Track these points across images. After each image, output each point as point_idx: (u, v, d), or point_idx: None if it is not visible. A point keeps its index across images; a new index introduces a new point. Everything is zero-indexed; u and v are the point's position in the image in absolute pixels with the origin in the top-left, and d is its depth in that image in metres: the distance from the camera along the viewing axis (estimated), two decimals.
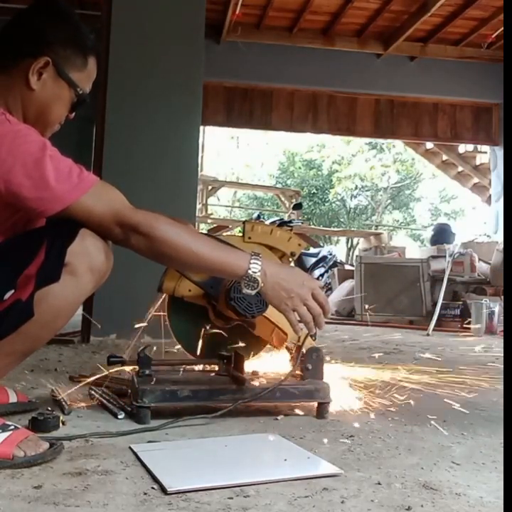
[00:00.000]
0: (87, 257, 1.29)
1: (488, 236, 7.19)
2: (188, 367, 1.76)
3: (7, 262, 1.28)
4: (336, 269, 7.10)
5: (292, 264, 2.05)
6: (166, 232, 1.32)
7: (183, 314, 1.80)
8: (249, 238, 1.79)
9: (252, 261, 1.37)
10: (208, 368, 1.76)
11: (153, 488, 1.07)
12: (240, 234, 1.83)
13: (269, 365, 1.85)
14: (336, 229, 15.79)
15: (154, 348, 1.80)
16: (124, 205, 1.32)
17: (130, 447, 1.29)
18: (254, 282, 1.37)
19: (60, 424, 1.43)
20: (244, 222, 1.86)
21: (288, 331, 1.67)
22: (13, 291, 1.26)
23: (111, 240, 1.35)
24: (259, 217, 8.86)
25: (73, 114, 1.46)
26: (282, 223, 7.43)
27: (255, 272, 1.36)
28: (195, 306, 1.76)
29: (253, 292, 1.38)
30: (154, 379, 1.56)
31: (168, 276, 1.72)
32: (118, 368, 1.71)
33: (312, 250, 8.14)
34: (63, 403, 1.62)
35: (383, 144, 17.83)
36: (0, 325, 1.25)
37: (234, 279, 1.53)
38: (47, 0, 1.45)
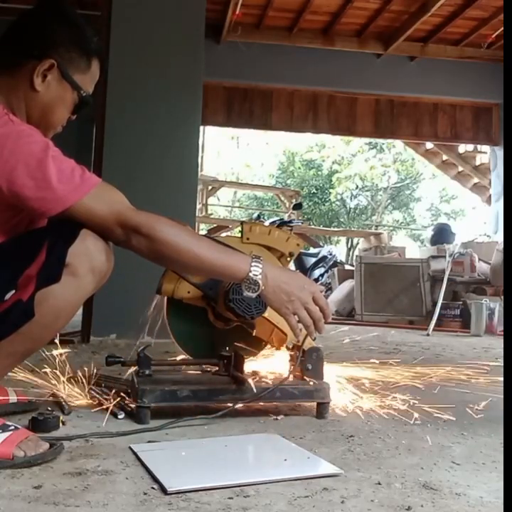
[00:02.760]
0: (88, 257, 1.29)
1: (488, 236, 7.18)
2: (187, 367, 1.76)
3: (8, 263, 1.28)
4: (335, 269, 7.10)
5: (292, 263, 2.05)
6: (168, 234, 1.32)
7: (182, 316, 1.79)
8: (248, 239, 1.78)
9: (253, 264, 1.37)
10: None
11: (153, 488, 1.07)
12: (240, 234, 1.83)
13: (269, 365, 1.85)
14: (335, 229, 15.79)
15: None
16: (125, 207, 1.32)
17: (130, 447, 1.29)
18: (255, 285, 1.37)
19: (60, 424, 1.43)
20: (242, 223, 1.86)
21: (287, 332, 1.67)
22: (13, 291, 1.26)
23: (112, 241, 1.35)
24: (259, 217, 8.87)
25: (75, 115, 1.47)
26: (282, 223, 7.44)
27: (256, 275, 1.36)
28: (194, 307, 1.75)
29: (254, 295, 1.38)
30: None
31: (167, 278, 1.72)
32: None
33: (312, 250, 8.14)
34: (63, 403, 1.62)
35: (383, 144, 17.84)
36: (0, 326, 1.25)
37: (235, 282, 1.52)
38: (51, 2, 1.45)
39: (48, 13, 1.42)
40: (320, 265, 7.66)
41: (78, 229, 1.29)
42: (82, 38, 1.42)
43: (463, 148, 8.96)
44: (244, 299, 1.55)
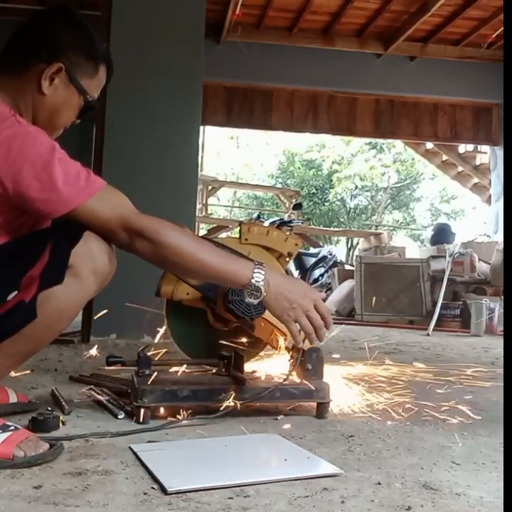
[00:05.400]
0: (91, 259, 1.29)
1: (488, 236, 7.18)
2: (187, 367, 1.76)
3: (11, 263, 1.29)
4: (335, 269, 7.10)
5: (292, 263, 2.06)
6: (171, 238, 1.33)
7: (181, 317, 1.79)
8: (246, 240, 1.78)
9: (255, 270, 1.38)
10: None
11: (153, 488, 1.07)
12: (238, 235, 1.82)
13: (269, 365, 1.85)
14: (336, 229, 15.80)
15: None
16: (129, 210, 1.33)
17: (130, 447, 1.29)
18: (257, 291, 1.38)
19: (60, 424, 1.43)
20: (240, 224, 1.86)
21: (287, 332, 1.67)
22: (16, 292, 1.27)
23: (115, 244, 1.35)
24: (259, 217, 8.86)
25: (80, 120, 1.48)
26: (282, 223, 7.44)
27: (258, 281, 1.37)
28: (193, 309, 1.75)
29: (256, 301, 1.39)
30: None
31: (166, 280, 1.71)
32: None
33: (312, 250, 8.15)
34: (63, 403, 1.62)
35: (383, 144, 17.83)
36: (3, 326, 1.26)
37: (237, 288, 1.52)
38: (61, 7, 1.45)
39: (58, 17, 1.44)
40: (320, 265, 7.66)
41: (81, 231, 1.29)
42: (91, 43, 1.43)
43: (463, 148, 8.96)
44: (244, 300, 1.55)
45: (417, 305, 5.41)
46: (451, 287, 5.28)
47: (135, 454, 1.25)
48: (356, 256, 6.94)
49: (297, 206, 9.42)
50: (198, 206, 8.88)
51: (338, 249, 13.00)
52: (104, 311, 2.04)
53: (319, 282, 7.32)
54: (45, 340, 1.36)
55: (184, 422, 1.49)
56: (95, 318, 1.89)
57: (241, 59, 6.38)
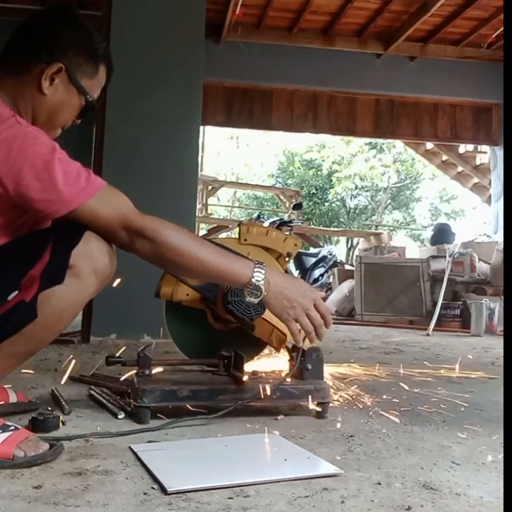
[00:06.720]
0: (92, 259, 1.30)
1: (488, 236, 7.19)
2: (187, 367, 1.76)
3: (12, 263, 1.29)
4: (336, 269, 7.10)
5: (291, 263, 2.05)
6: (171, 238, 1.33)
7: (181, 318, 1.79)
8: (245, 240, 1.78)
9: (255, 269, 1.38)
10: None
11: (153, 488, 1.07)
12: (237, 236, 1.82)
13: (269, 365, 1.85)
14: (336, 229, 15.79)
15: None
16: (130, 210, 1.33)
17: (130, 447, 1.29)
18: (257, 290, 1.38)
19: (60, 424, 1.43)
20: (239, 224, 1.86)
21: (287, 332, 1.67)
22: (16, 292, 1.27)
23: (116, 244, 1.35)
24: (259, 217, 8.86)
25: (80, 120, 1.48)
26: (282, 223, 7.44)
27: (259, 281, 1.37)
28: (193, 309, 1.75)
29: (256, 300, 1.39)
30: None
31: (165, 281, 1.71)
32: None
33: (312, 250, 8.15)
34: (63, 403, 1.62)
35: (383, 144, 17.83)
36: (3, 326, 1.26)
37: (237, 287, 1.53)
38: (61, 7, 1.46)
39: (58, 18, 1.44)
40: (320, 265, 7.66)
41: (82, 231, 1.29)
42: (91, 43, 1.43)
43: (463, 148, 8.96)
44: (243, 301, 1.55)
45: (417, 305, 5.41)
46: (451, 287, 5.28)
47: (135, 454, 1.25)
48: (356, 256, 6.94)
49: (297, 206, 9.41)
50: (198, 206, 8.88)
51: (338, 249, 13.00)
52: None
53: (319, 282, 7.31)
54: (45, 340, 1.36)
55: (184, 422, 1.49)
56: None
57: (241, 59, 6.38)
